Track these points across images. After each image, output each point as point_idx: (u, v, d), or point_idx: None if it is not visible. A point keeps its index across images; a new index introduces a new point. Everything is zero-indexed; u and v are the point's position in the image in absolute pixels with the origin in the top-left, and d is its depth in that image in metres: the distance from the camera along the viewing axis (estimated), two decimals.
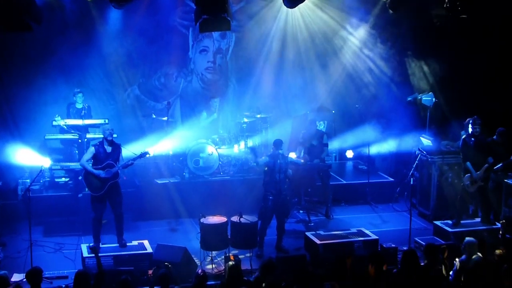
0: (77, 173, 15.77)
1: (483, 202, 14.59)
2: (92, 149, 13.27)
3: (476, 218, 14.86)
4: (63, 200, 15.81)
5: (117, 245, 13.24)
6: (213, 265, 13.14)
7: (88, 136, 16.22)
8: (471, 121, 14.31)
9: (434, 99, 17.68)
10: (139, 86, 18.69)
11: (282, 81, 19.34)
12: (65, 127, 16.02)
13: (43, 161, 14.80)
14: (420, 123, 18.12)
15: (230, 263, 10.64)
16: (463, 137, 14.51)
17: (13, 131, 16.55)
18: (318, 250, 13.25)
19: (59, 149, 16.87)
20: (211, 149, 16.45)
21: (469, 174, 14.27)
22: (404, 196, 17.17)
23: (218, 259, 13.47)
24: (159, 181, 16.28)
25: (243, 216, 13.23)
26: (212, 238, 13.13)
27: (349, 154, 19.51)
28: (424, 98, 17.83)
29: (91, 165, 13.24)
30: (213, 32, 18.57)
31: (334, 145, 18.68)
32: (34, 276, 9.97)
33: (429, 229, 15.22)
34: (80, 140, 16.04)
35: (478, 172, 14.20)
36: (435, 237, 14.27)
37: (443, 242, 13.71)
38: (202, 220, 13.20)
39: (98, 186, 13.15)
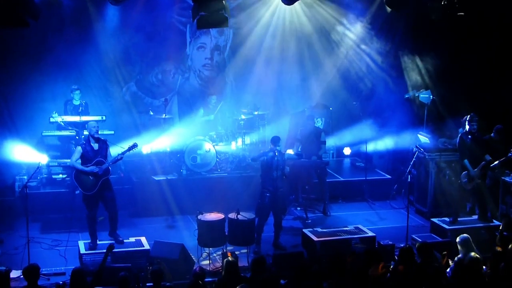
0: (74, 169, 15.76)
1: (480, 199, 14.58)
2: (79, 149, 13.15)
3: (473, 216, 14.85)
4: (60, 196, 15.78)
5: (114, 241, 13.21)
6: (210, 262, 13.14)
7: (86, 133, 16.17)
8: (468, 118, 14.30)
9: (431, 96, 17.68)
10: (137, 83, 18.69)
11: (280, 78, 19.33)
12: (63, 124, 16.01)
13: (41, 158, 14.80)
14: (417, 120, 18.12)
15: (228, 259, 10.65)
16: (461, 134, 14.51)
17: (10, 128, 16.54)
18: (316, 247, 13.23)
19: (57, 146, 16.88)
20: (208, 146, 16.44)
21: (466, 172, 14.27)
22: (402, 194, 17.18)
23: (215, 255, 13.47)
24: (156, 178, 16.27)
25: (241, 213, 13.26)
26: (210, 235, 13.13)
27: (347, 151, 19.54)
28: (421, 95, 17.83)
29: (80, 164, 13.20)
30: (210, 29, 18.56)
31: (332, 142, 18.73)
32: (31, 273, 9.95)
33: (426, 226, 15.21)
34: (77, 137, 16.01)
35: (475, 170, 14.20)
36: (432, 235, 14.26)
37: (440, 239, 13.72)
38: (199, 217, 13.20)
39: (91, 185, 13.09)
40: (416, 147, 16.43)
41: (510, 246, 11.34)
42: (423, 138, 16.96)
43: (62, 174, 16.52)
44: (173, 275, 11.44)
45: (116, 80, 18.23)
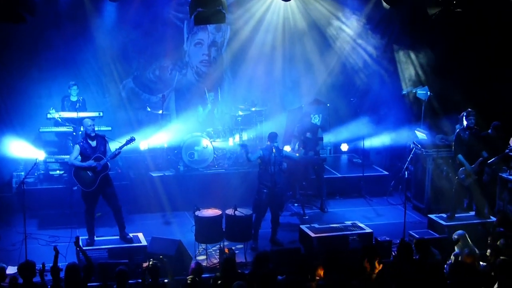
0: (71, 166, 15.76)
1: (477, 195, 14.58)
2: (77, 147, 13.10)
3: (470, 212, 14.86)
4: (57, 193, 15.76)
5: (111, 238, 13.24)
6: (208, 258, 13.14)
7: (83, 129, 16.18)
8: (465, 114, 14.30)
9: (429, 92, 17.68)
10: (134, 79, 18.68)
11: (277, 74, 19.33)
12: (60, 120, 16.00)
13: (38, 154, 14.81)
14: (415, 116, 18.13)
15: (225, 255, 10.66)
16: (458, 130, 14.51)
17: (7, 124, 16.52)
18: (313, 243, 13.25)
19: (54, 142, 16.86)
20: (206, 142, 16.43)
21: (463, 168, 14.27)
22: (399, 190, 17.20)
23: (212, 251, 13.48)
24: (153, 174, 16.26)
25: (238, 209, 13.27)
26: (207, 231, 13.13)
27: (344, 147, 19.52)
28: (419, 92, 17.83)
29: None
30: (208, 25, 18.55)
31: (329, 138, 18.71)
32: (26, 270, 9.93)
33: (423, 222, 15.23)
34: (74, 133, 16.01)
35: (472, 166, 14.20)
36: (430, 231, 14.26)
37: (437, 235, 13.73)
38: (196, 213, 13.20)
39: (90, 181, 13.05)
40: (414, 143, 16.44)
41: (498, 242, 11.42)
42: (421, 134, 16.97)
43: (60, 170, 16.50)
44: (166, 271, 11.42)
45: (113, 76, 18.20)
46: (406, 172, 14.53)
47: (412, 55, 18.75)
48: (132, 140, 13.39)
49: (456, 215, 14.47)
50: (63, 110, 16.29)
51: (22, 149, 15.29)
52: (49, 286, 10.41)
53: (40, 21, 15.60)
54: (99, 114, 16.35)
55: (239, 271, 10.86)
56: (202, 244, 13.33)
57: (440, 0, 15.05)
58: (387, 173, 17.98)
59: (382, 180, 17.76)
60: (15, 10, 12.22)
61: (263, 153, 13.75)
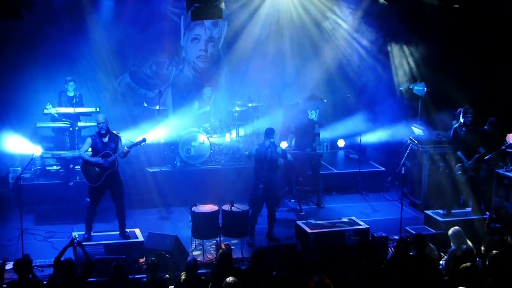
0: (68, 161, 15.76)
1: (474, 191, 14.59)
2: (89, 140, 13.17)
3: (467, 208, 14.88)
4: (54, 188, 15.76)
5: (108, 233, 13.25)
6: (204, 254, 13.15)
7: (80, 124, 16.22)
8: (462, 111, 14.32)
9: (425, 88, 17.68)
10: (131, 75, 18.66)
11: (274, 70, 19.31)
12: (56, 115, 15.99)
13: (34, 149, 14.76)
14: (411, 112, 18.14)
15: (221, 251, 10.66)
16: (455, 126, 14.53)
17: (4, 119, 16.49)
18: (309, 239, 13.26)
19: (50, 137, 16.83)
20: (202, 138, 16.43)
21: (460, 164, 14.29)
22: (395, 186, 17.20)
23: (207, 245, 13.49)
24: (150, 170, 16.27)
25: (234, 204, 13.27)
26: (203, 227, 13.14)
27: (341, 143, 19.53)
28: (416, 88, 17.83)
29: (89, 155, 13.20)
30: (205, 21, 18.52)
31: (326, 134, 18.69)
32: (22, 267, 9.90)
33: (420, 218, 15.24)
34: (71, 128, 16.02)
35: (469, 162, 14.22)
36: (426, 227, 14.28)
37: (433, 231, 13.75)
38: (193, 208, 13.20)
39: (96, 176, 13.08)
40: (410, 139, 16.43)
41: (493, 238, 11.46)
42: (417, 130, 16.97)
43: (56, 165, 16.49)
44: (167, 267, 11.44)
45: (110, 71, 18.18)
46: (402, 168, 14.52)
47: (409, 51, 18.76)
48: (143, 141, 13.55)
49: (452, 211, 14.50)
50: (59, 105, 16.27)
51: (18, 145, 15.25)
52: (45, 282, 10.40)
53: (37, 17, 15.57)
54: (96, 109, 16.34)
55: (236, 266, 10.86)
56: (200, 240, 13.34)
57: None
58: (383, 169, 18.00)
59: (378, 176, 17.78)
60: (12, 6, 12.19)
61: (260, 149, 13.76)
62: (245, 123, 17.54)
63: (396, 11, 18.28)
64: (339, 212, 15.68)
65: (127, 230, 13.26)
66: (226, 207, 13.31)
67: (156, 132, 16.44)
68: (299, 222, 13.91)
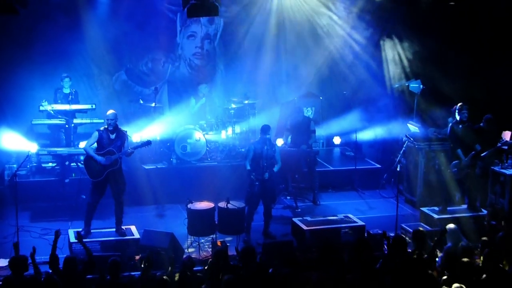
0: (64, 158, 15.74)
1: (469, 189, 14.61)
2: (95, 134, 13.12)
3: (462, 205, 14.88)
4: (50, 185, 15.74)
5: (104, 230, 13.24)
6: (200, 251, 13.15)
7: (75, 121, 16.19)
8: (458, 108, 14.32)
9: (421, 85, 17.69)
10: (126, 71, 18.65)
11: (270, 67, 19.30)
12: (52, 112, 15.97)
13: (30, 146, 14.76)
14: (407, 109, 18.14)
15: (217, 248, 10.65)
16: (451, 124, 14.53)
17: None
18: (305, 236, 13.27)
19: (46, 134, 16.83)
20: (198, 135, 16.42)
21: (456, 161, 14.30)
22: (391, 183, 17.21)
23: (203, 241, 13.49)
24: (146, 167, 16.27)
25: (230, 201, 13.27)
26: (199, 224, 13.13)
27: (337, 140, 19.54)
28: (411, 85, 17.85)
29: (94, 150, 13.18)
30: (201, 18, 18.50)
31: (322, 131, 18.71)
32: (17, 265, 9.88)
33: (415, 215, 15.26)
34: (67, 125, 16.00)
35: (465, 159, 14.24)
36: (422, 224, 14.29)
37: (429, 228, 13.76)
38: (189, 205, 13.20)
39: (97, 172, 13.05)
40: (406, 136, 16.46)
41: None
42: (413, 127, 16.98)
43: (52, 162, 16.47)
44: (163, 264, 11.43)
45: (106, 68, 18.22)
46: (398, 165, 14.53)
47: (404, 47, 18.74)
48: (148, 143, 13.50)
49: (448, 208, 14.50)
50: (55, 102, 16.25)
51: (14, 142, 15.24)
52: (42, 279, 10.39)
53: (33, 13, 15.55)
54: (92, 106, 16.34)
55: (232, 263, 10.86)
56: (196, 237, 13.33)
57: None
58: (379, 166, 17.99)
59: (374, 173, 17.78)
60: (7, 2, 12.15)
61: (256, 146, 13.76)
62: (241, 120, 17.54)
63: (392, 7, 18.26)
64: (335, 209, 15.66)
65: (123, 227, 13.24)
66: (222, 204, 13.30)
67: (152, 129, 16.43)
68: (295, 219, 13.91)
